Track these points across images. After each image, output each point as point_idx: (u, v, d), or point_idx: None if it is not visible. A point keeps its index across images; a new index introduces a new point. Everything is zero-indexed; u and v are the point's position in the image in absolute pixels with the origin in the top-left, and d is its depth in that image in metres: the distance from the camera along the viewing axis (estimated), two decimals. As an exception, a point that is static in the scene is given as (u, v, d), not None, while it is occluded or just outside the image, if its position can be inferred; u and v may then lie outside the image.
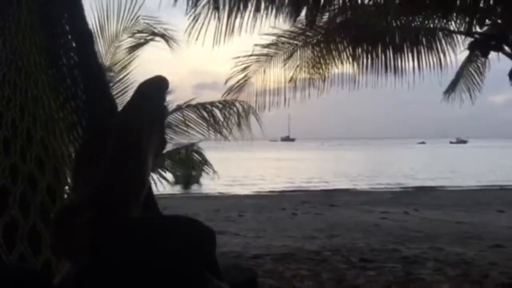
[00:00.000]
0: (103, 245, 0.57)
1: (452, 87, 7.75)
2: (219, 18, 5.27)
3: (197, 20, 5.46)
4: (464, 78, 7.76)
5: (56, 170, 1.13)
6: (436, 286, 5.12)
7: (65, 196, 1.07)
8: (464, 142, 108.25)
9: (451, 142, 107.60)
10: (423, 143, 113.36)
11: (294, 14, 5.41)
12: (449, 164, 37.27)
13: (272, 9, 5.34)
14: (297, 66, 7.50)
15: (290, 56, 7.53)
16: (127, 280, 0.54)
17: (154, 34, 5.19)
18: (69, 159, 1.14)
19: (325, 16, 6.72)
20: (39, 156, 1.12)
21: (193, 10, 5.24)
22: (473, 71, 7.72)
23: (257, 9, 5.26)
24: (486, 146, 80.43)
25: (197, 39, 5.58)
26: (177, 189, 18.89)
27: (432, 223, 9.95)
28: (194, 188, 20.34)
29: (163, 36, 5.21)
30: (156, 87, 0.77)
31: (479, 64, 7.57)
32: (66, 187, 1.08)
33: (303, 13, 5.50)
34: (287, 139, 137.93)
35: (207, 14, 5.37)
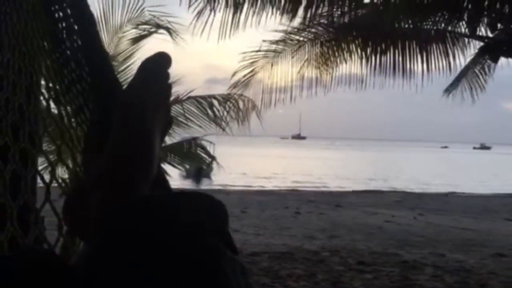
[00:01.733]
0: (113, 223, 0.56)
1: (454, 85, 7.52)
2: (215, 12, 5.25)
3: (200, 15, 5.45)
4: (467, 78, 7.55)
5: (65, 153, 1.13)
6: (432, 292, 5.05)
7: (76, 178, 1.10)
8: (488, 148, 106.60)
9: (474, 148, 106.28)
10: (445, 147, 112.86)
11: (291, 12, 5.37)
12: (465, 169, 36.83)
13: (268, 7, 5.30)
14: (305, 62, 7.42)
15: (298, 52, 7.46)
16: (139, 256, 0.52)
17: (159, 26, 5.15)
18: (78, 141, 1.14)
19: (336, 14, 6.65)
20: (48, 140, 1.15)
21: (196, 4, 5.23)
22: (477, 72, 7.52)
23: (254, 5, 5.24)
24: (510, 153, 78.19)
25: (201, 33, 5.55)
26: (188, 184, 19.10)
27: (436, 228, 9.84)
28: (205, 182, 20.53)
29: (167, 29, 5.17)
30: (158, 63, 0.76)
31: (485, 66, 7.38)
32: (77, 169, 1.09)
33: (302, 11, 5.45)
34: (298, 137, 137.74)
35: (210, 10, 5.35)
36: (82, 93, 1.28)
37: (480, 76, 7.47)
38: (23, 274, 0.57)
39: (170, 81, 0.79)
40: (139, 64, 0.78)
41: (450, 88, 7.39)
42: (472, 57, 7.09)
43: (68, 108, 1.27)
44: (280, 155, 46.19)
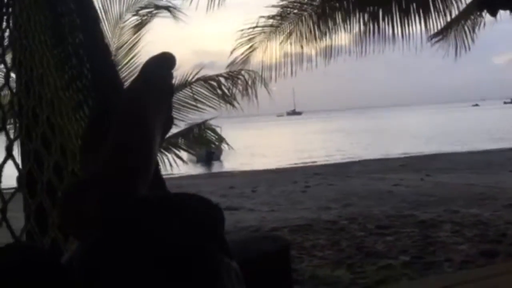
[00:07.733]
0: (110, 223, 0.56)
1: (442, 35, 7.23)
2: None
3: None
4: (456, 32, 7.33)
5: (63, 149, 1.13)
6: (455, 247, 5.16)
7: (73, 174, 1.07)
8: None
9: (505, 102, 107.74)
10: (476, 105, 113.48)
11: None
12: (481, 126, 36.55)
13: None
14: (303, 35, 7.39)
15: (294, 24, 7.43)
16: (134, 259, 0.53)
17: (158, 7, 5.10)
18: (76, 138, 1.12)
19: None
20: (45, 134, 1.12)
21: None
22: (466, 29, 7.37)
23: None
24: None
25: (190, 2, 5.43)
26: (199, 167, 19.33)
27: (445, 187, 9.97)
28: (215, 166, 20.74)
29: (167, 8, 5.11)
30: (163, 64, 0.75)
31: (475, 22, 7.19)
32: (74, 166, 1.08)
33: None
34: (293, 113, 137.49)
35: None
36: (82, 89, 1.30)
37: (468, 33, 7.27)
38: (14, 271, 0.56)
39: (173, 81, 0.79)
40: (143, 62, 0.77)
41: (437, 36, 7.10)
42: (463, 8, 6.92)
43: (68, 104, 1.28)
44: (279, 133, 46.25)
